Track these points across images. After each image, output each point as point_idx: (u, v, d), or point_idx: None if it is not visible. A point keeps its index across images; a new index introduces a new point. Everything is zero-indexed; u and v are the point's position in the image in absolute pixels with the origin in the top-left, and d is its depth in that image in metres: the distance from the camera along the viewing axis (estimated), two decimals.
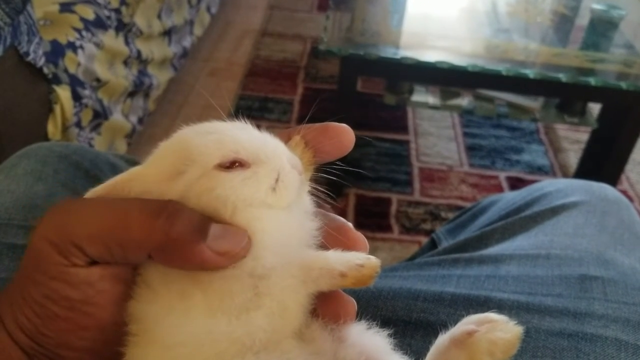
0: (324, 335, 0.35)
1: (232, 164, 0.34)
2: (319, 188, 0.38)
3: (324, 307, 0.35)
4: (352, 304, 0.36)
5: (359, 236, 0.37)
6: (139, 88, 1.56)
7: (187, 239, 0.31)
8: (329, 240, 0.36)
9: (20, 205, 0.55)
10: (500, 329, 0.35)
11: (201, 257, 0.31)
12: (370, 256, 0.33)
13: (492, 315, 0.36)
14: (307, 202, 0.37)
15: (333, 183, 0.39)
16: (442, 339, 0.37)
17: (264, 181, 0.34)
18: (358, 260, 0.33)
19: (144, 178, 0.35)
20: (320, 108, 1.88)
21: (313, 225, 0.36)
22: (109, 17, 1.39)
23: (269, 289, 0.32)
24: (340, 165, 0.38)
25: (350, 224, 0.38)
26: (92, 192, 0.35)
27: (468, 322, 0.36)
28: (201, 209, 0.33)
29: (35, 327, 0.33)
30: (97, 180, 0.35)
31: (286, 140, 0.38)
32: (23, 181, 0.57)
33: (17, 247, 0.52)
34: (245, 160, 0.34)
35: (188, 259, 0.31)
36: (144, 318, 0.33)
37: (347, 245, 0.35)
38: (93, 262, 0.32)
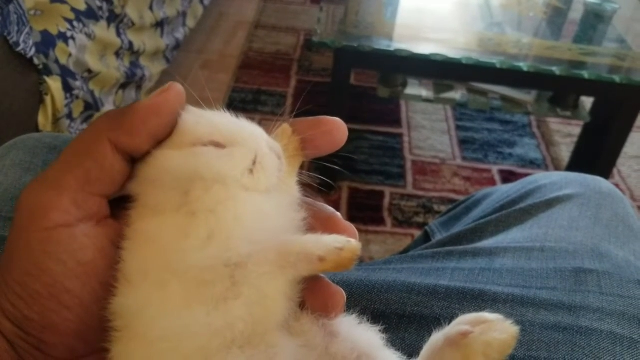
0: (314, 329, 0.35)
1: (208, 145, 0.34)
2: (310, 178, 0.37)
3: (312, 298, 0.35)
4: (341, 294, 0.35)
5: (349, 226, 0.36)
6: (131, 80, 1.55)
7: (125, 108, 0.33)
8: (317, 230, 0.35)
9: (9, 197, 0.54)
10: (496, 329, 0.34)
11: (144, 107, 0.33)
12: (350, 239, 0.32)
13: (486, 315, 0.35)
14: (294, 192, 0.37)
15: (326, 175, 0.38)
16: (436, 338, 0.36)
17: (239, 161, 0.33)
18: (337, 243, 0.32)
19: None
20: (313, 101, 1.87)
21: (298, 216, 0.35)
22: (100, 8, 1.37)
23: (245, 278, 0.31)
24: (335, 154, 0.38)
25: (339, 214, 0.37)
26: None
27: (462, 322, 0.36)
28: (175, 178, 0.33)
29: (19, 312, 0.33)
30: None
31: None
32: (12, 172, 0.56)
33: (5, 240, 0.51)
34: (220, 142, 0.34)
35: (136, 118, 0.33)
36: (124, 313, 0.32)
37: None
38: (77, 219, 0.33)
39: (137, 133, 0.33)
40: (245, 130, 0.35)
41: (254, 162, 0.34)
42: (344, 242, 0.32)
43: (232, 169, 0.33)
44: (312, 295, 0.35)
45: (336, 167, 0.40)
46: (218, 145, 0.34)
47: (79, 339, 0.34)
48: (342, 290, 0.36)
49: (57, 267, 0.32)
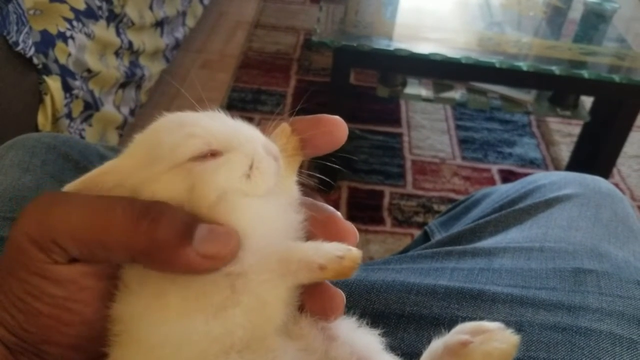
0: (313, 332, 0.34)
1: (205, 156, 0.33)
2: (310, 177, 0.37)
3: (311, 301, 0.35)
4: (341, 297, 0.35)
5: (349, 226, 0.36)
6: (131, 79, 1.55)
7: (172, 243, 0.29)
8: (318, 230, 0.35)
9: (7, 197, 0.54)
10: (496, 338, 0.34)
11: (187, 261, 0.29)
12: (350, 247, 0.32)
13: (487, 324, 0.35)
14: (293, 192, 0.36)
15: (325, 174, 0.38)
16: (436, 345, 0.36)
17: (237, 167, 0.33)
18: (338, 252, 0.31)
19: (119, 170, 0.34)
20: (313, 101, 1.87)
21: (298, 217, 0.35)
22: (100, 7, 1.37)
23: (246, 286, 0.31)
24: (334, 153, 0.37)
25: (339, 214, 0.37)
26: (69, 187, 0.34)
27: (462, 331, 0.35)
28: (172, 198, 0.32)
29: (18, 324, 0.32)
30: (86, 171, 0.34)
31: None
32: (10, 172, 0.56)
33: (3, 240, 0.51)
34: (217, 150, 0.33)
35: (173, 264, 0.30)
36: (124, 319, 0.32)
37: (336, 236, 0.34)
38: (74, 260, 0.31)
39: (164, 270, 0.31)
40: (241, 133, 0.35)
41: (251, 167, 0.33)
42: (344, 250, 0.32)
43: (230, 177, 0.33)
44: (311, 298, 0.34)
45: (335, 166, 0.40)
46: (215, 153, 0.33)
47: (79, 349, 0.33)
48: (342, 292, 0.35)
49: (59, 291, 0.31)
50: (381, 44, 1.40)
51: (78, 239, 0.30)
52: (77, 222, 0.30)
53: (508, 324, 0.35)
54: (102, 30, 1.37)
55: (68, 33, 1.22)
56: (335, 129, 0.36)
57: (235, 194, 0.33)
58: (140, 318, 0.31)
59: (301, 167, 0.37)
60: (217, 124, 0.35)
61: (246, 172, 0.33)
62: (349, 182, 1.67)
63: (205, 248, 0.30)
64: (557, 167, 1.81)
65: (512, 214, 0.63)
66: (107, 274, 0.33)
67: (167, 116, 0.36)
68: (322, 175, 0.37)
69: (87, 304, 0.32)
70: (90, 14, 1.33)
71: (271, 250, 0.32)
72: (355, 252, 0.32)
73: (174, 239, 0.30)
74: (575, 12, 1.71)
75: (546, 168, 1.81)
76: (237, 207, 0.33)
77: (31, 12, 1.19)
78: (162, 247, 0.29)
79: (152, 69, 1.71)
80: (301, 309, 0.35)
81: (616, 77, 1.36)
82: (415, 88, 1.68)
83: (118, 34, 1.47)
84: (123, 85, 1.52)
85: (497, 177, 1.75)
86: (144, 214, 0.30)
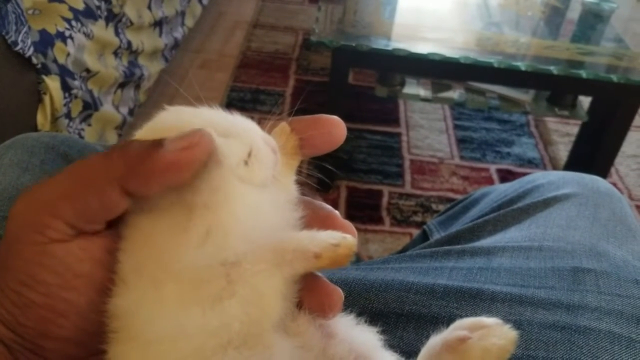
0: (311, 329, 0.34)
1: None
2: (308, 176, 0.37)
3: (309, 297, 0.35)
4: (339, 294, 0.35)
5: (347, 224, 0.36)
6: (130, 79, 1.55)
7: (146, 153, 0.31)
8: (316, 228, 0.35)
9: (6, 196, 0.54)
10: (494, 334, 0.34)
11: (166, 160, 0.31)
12: (345, 235, 0.32)
13: (485, 320, 0.35)
14: (291, 190, 0.36)
15: (323, 174, 0.38)
16: (434, 341, 0.36)
17: (235, 152, 0.33)
18: (333, 239, 0.31)
19: None
20: (311, 100, 1.87)
21: (295, 214, 0.35)
22: (98, 7, 1.37)
23: (241, 276, 0.31)
24: (332, 153, 0.38)
25: (337, 212, 0.37)
26: None
27: (460, 327, 0.35)
28: None
29: (14, 318, 0.32)
30: None
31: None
32: (9, 172, 0.56)
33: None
34: None
35: (155, 169, 0.31)
36: (121, 314, 0.32)
37: None
38: (72, 236, 0.32)
39: (152, 185, 0.31)
40: (240, 124, 0.35)
41: (249, 155, 0.33)
42: (339, 238, 0.32)
43: (228, 157, 0.33)
44: (309, 294, 0.34)
45: (332, 168, 0.40)
46: None
47: (76, 344, 0.33)
48: (340, 289, 0.35)
49: (53, 279, 0.32)
50: (380, 43, 1.40)
51: (69, 197, 0.31)
52: (62, 186, 0.32)
53: (507, 322, 0.35)
54: (101, 30, 1.37)
55: (67, 33, 1.22)
56: (334, 129, 0.37)
57: (232, 177, 0.33)
58: (136, 312, 0.31)
59: (300, 166, 0.38)
60: (217, 115, 0.35)
61: (244, 159, 0.33)
62: (348, 182, 1.67)
63: (176, 144, 0.31)
64: (555, 167, 1.82)
65: (511, 213, 0.63)
66: (102, 261, 0.33)
67: (167, 109, 0.36)
68: (320, 175, 0.37)
69: (82, 293, 0.32)
70: (89, 13, 1.33)
71: (266, 241, 0.32)
72: (350, 240, 0.32)
73: (145, 150, 0.31)
74: (573, 12, 1.71)
75: (544, 168, 1.81)
76: (232, 194, 0.32)
77: (30, 11, 1.19)
78: (138, 161, 0.31)
79: (151, 68, 1.71)
80: (299, 306, 0.35)
81: (614, 77, 1.37)
82: (414, 88, 1.69)
83: (117, 33, 1.47)
84: (122, 85, 1.52)
85: (495, 176, 1.76)
86: (113, 148, 0.32)
